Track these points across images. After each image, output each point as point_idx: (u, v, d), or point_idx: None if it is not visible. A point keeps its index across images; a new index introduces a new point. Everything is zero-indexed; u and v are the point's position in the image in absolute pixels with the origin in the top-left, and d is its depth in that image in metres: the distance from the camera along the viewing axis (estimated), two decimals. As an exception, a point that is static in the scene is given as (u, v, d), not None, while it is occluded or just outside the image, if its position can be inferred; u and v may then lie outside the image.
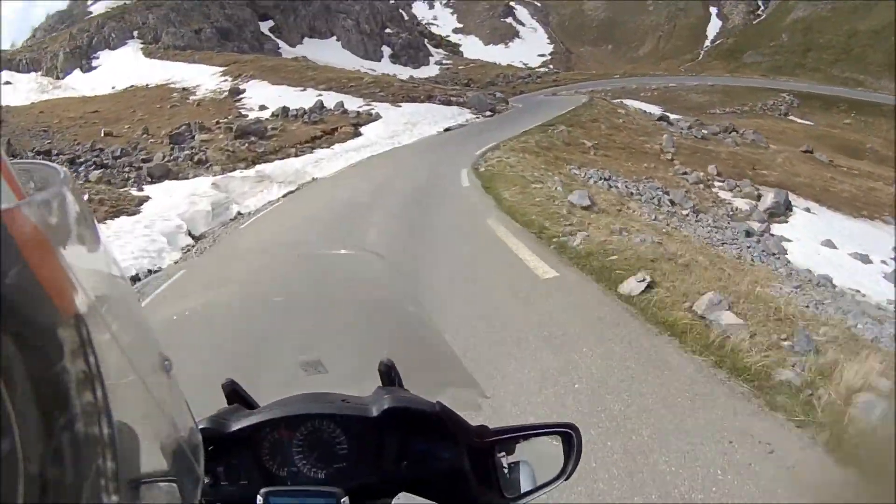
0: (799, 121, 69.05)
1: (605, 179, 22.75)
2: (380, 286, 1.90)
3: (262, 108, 47.60)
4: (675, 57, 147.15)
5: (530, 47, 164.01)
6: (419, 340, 1.79)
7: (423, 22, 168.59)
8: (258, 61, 68.84)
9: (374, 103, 47.18)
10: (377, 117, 42.89)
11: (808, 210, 27.30)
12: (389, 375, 1.44)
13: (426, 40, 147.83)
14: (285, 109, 44.39)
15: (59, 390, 0.70)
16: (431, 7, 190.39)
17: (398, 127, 41.08)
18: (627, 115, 47.46)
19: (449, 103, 50.54)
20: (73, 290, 0.76)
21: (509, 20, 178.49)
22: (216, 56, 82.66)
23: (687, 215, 20.71)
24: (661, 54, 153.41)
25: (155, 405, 0.95)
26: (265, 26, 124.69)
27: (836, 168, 40.56)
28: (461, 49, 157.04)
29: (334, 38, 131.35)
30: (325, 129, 39.25)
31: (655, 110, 59.42)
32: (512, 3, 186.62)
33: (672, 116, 52.96)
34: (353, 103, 47.24)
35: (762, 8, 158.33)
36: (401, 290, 1.97)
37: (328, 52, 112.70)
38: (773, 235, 22.00)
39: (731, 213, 24.57)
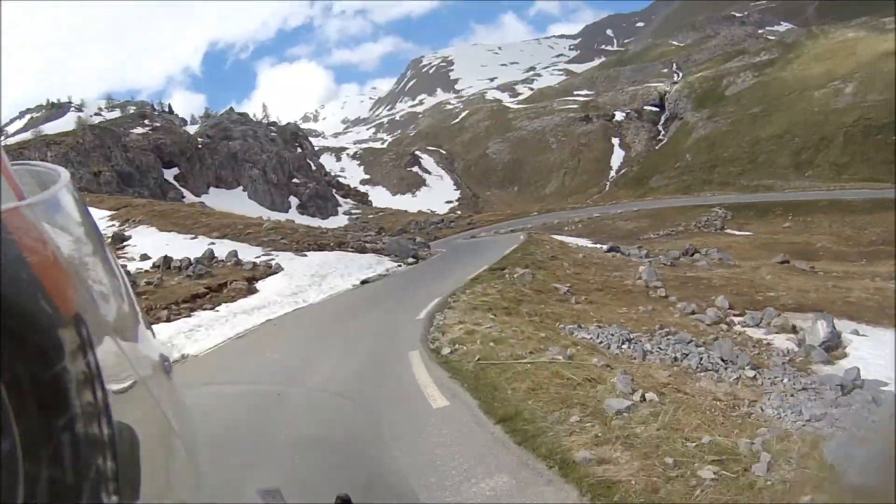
0: (737, 232, 65.66)
1: (627, 341, 15.94)
2: (344, 427, 1.93)
3: (144, 257, 41.02)
4: (583, 191, 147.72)
5: (438, 194, 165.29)
6: (377, 480, 1.76)
7: (332, 174, 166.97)
8: (150, 205, 63.28)
9: (274, 252, 39.95)
10: (277, 269, 35.46)
11: (856, 332, 21.23)
12: None
13: (334, 190, 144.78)
14: (167, 260, 37.41)
15: (59, 390, 0.70)
16: (339, 159, 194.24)
17: (303, 280, 32.97)
18: (580, 249, 42.37)
19: (364, 250, 42.59)
20: (73, 291, 0.77)
21: (415, 169, 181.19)
22: (108, 199, 77.18)
23: (755, 378, 14.24)
24: (567, 190, 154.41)
25: (155, 405, 0.92)
26: (170, 174, 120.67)
27: (823, 275, 35.66)
28: (370, 199, 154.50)
29: (241, 187, 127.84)
30: (212, 284, 31.22)
31: (590, 243, 55.19)
32: (418, 153, 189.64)
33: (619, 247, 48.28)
34: (250, 253, 39.76)
35: (662, 133, 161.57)
36: (365, 432, 1.97)
37: (234, 203, 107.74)
38: (861, 386, 14.54)
39: (786, 359, 17.87)
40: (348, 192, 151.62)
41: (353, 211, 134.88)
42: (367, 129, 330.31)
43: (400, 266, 38.53)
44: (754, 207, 77.58)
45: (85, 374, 0.74)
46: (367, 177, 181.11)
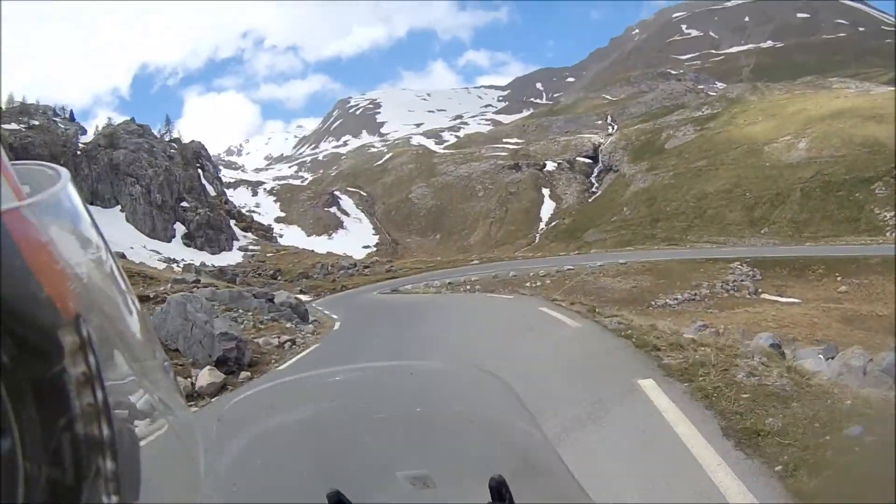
0: (781, 299, 52.25)
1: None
2: (489, 403, 1.88)
3: None
4: (510, 242, 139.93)
5: (355, 238, 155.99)
6: (532, 458, 1.75)
7: (246, 209, 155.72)
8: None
9: None
10: None
11: None
12: (500, 492, 1.39)
13: (233, 222, 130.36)
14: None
15: (59, 391, 0.69)
16: (255, 194, 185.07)
17: None
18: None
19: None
20: (73, 291, 0.76)
21: (333, 210, 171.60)
22: None
23: None
24: (493, 241, 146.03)
25: (155, 405, 0.93)
26: None
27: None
28: (276, 235, 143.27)
29: (119, 206, 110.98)
30: None
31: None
32: (337, 193, 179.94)
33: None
34: None
35: (595, 185, 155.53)
36: (512, 407, 1.88)
37: (109, 225, 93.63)
38: None
39: None
40: (250, 225, 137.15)
41: (251, 247, 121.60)
42: (290, 167, 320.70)
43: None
44: (784, 264, 62.77)
45: (85, 374, 0.72)
46: (283, 214, 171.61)
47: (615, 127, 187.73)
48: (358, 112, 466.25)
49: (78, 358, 0.72)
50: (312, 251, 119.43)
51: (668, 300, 53.35)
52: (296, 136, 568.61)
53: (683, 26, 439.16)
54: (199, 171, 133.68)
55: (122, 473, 0.76)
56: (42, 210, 0.76)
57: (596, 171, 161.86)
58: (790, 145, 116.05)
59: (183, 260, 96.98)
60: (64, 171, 0.92)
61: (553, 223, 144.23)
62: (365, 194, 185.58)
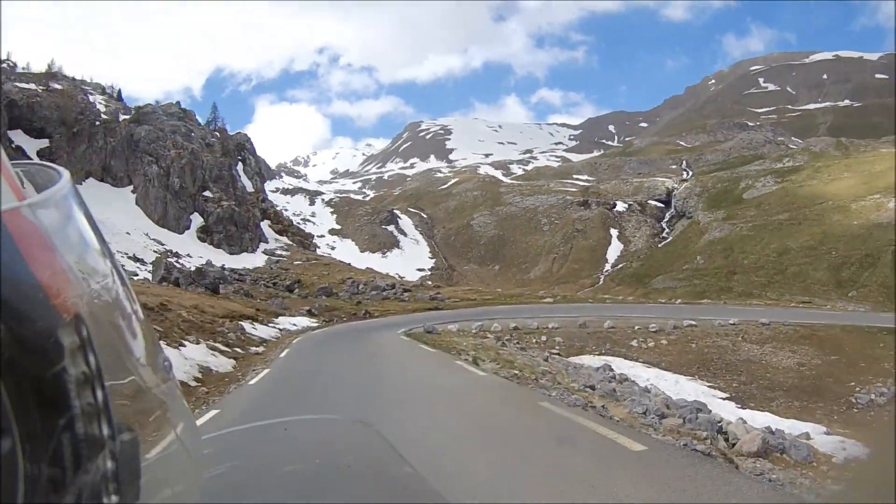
0: None
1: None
2: (372, 454, 2.06)
3: None
4: (573, 281, 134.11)
5: (410, 259, 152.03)
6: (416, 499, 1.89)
7: (300, 217, 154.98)
8: None
9: None
10: None
11: None
12: None
13: (268, 222, 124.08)
14: None
15: (59, 391, 0.70)
16: (312, 203, 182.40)
17: None
18: None
19: None
20: (73, 291, 0.77)
21: (391, 228, 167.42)
22: None
23: None
24: (555, 277, 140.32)
25: (155, 405, 0.92)
26: (36, 145, 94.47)
27: None
28: (320, 245, 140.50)
29: (131, 187, 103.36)
30: None
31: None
32: (396, 211, 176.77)
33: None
34: None
35: (666, 231, 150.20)
36: (387, 455, 2.09)
37: (112, 207, 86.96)
38: None
39: None
40: (287, 228, 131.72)
41: (279, 252, 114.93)
42: (354, 183, 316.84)
43: None
44: None
45: (85, 374, 0.73)
46: (338, 227, 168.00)
47: (690, 172, 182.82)
48: (428, 137, 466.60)
49: (78, 358, 0.72)
50: (349, 265, 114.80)
51: (871, 394, 34.59)
52: (364, 154, 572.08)
53: (761, 80, 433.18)
54: (240, 163, 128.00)
55: (121, 473, 0.77)
56: (42, 210, 0.77)
57: (668, 215, 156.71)
58: (879, 204, 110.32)
59: (188, 255, 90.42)
60: (64, 172, 0.93)
61: (620, 265, 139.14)
62: (426, 216, 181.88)
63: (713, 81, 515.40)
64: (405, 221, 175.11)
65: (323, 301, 65.29)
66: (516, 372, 19.64)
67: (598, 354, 39.34)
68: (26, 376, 0.66)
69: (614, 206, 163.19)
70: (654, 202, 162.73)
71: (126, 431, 0.83)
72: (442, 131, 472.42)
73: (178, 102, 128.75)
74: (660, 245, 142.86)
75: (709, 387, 34.87)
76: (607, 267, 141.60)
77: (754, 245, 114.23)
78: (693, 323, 47.62)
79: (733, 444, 13.44)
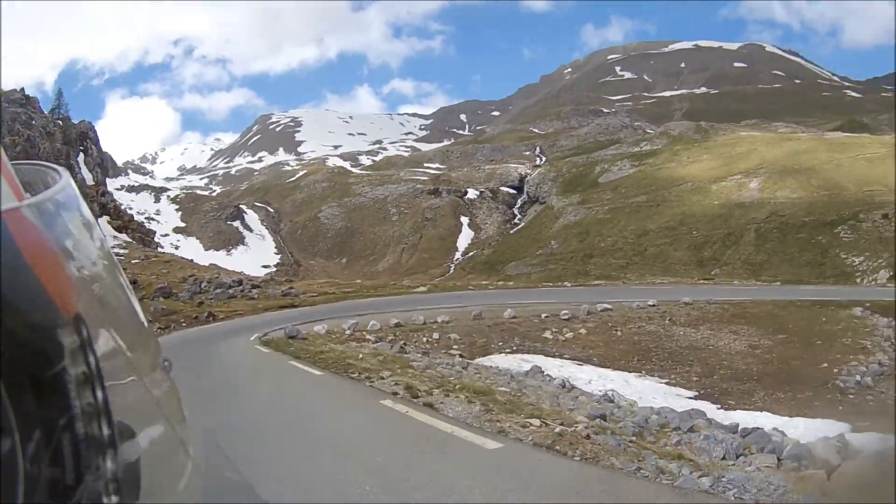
0: None
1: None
2: None
3: None
4: (423, 271, 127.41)
5: (255, 256, 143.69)
6: None
7: (144, 215, 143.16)
8: None
9: None
10: None
11: None
12: None
13: (107, 218, 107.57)
14: None
15: (59, 391, 0.70)
16: (157, 200, 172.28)
17: None
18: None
19: None
20: (73, 291, 0.76)
21: (237, 224, 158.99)
22: None
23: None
24: (403, 268, 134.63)
25: (155, 405, 0.91)
26: None
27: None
28: (161, 244, 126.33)
29: None
30: None
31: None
32: (242, 206, 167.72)
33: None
34: None
35: (518, 217, 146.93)
36: None
37: None
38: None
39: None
40: (127, 225, 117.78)
41: (116, 249, 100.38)
42: (201, 179, 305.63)
43: None
44: None
45: (85, 374, 0.73)
46: (183, 224, 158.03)
47: (544, 158, 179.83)
48: (278, 129, 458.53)
49: (78, 358, 0.72)
50: (191, 261, 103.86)
51: (855, 375, 30.92)
52: (212, 149, 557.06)
53: (618, 68, 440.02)
54: (82, 154, 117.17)
55: (122, 473, 0.77)
56: (42, 210, 0.76)
57: (520, 201, 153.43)
58: (741, 184, 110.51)
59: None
60: (64, 171, 0.90)
61: (471, 253, 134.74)
62: (272, 210, 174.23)
63: (569, 70, 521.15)
64: (251, 216, 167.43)
65: (160, 304, 53.56)
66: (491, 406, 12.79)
67: (510, 352, 32.43)
68: (27, 376, 0.65)
69: (465, 193, 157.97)
70: (506, 189, 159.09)
71: (126, 431, 0.82)
72: (292, 123, 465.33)
73: (21, 89, 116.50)
74: (512, 231, 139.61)
75: (666, 384, 29.74)
76: (458, 255, 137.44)
77: (611, 228, 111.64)
78: (608, 307, 41.91)
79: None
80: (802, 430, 18.88)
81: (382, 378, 15.72)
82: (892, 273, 72.06)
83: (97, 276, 0.86)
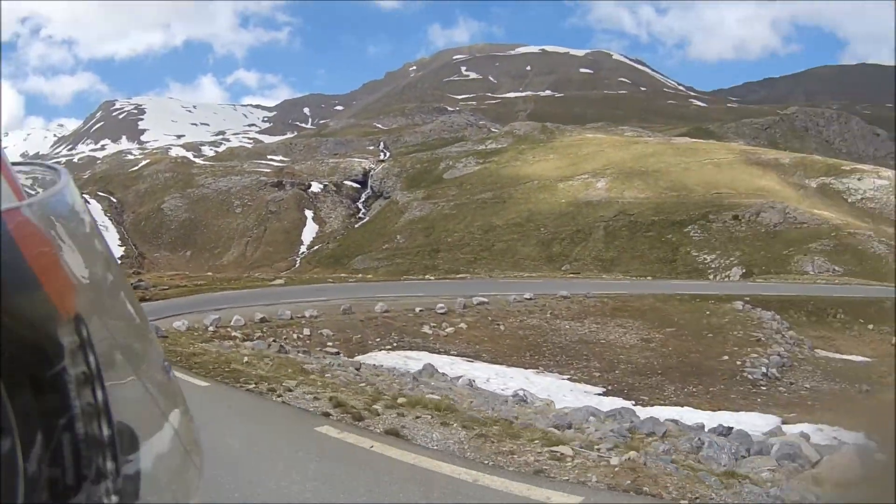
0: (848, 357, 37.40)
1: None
2: None
3: None
4: (268, 264, 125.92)
5: None
6: None
7: None
8: None
9: None
10: None
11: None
12: None
13: None
14: None
15: (59, 390, 0.71)
16: None
17: None
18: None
19: None
20: (73, 291, 0.77)
21: None
22: None
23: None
24: (249, 262, 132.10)
25: (155, 405, 0.92)
26: None
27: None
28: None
29: None
30: None
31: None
32: (86, 196, 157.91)
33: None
34: None
35: (363, 211, 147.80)
36: None
37: None
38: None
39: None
40: None
41: None
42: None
43: None
44: (796, 306, 47.50)
45: (85, 374, 0.73)
46: None
47: (388, 153, 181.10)
48: (121, 116, 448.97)
49: (78, 358, 0.73)
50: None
51: (760, 367, 32.14)
52: (55, 136, 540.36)
53: (463, 68, 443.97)
54: None
55: (121, 473, 0.77)
56: (42, 210, 0.77)
57: (364, 196, 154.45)
58: (588, 184, 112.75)
59: None
60: (64, 171, 0.91)
61: (316, 247, 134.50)
62: (115, 201, 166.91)
63: (414, 68, 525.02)
64: (94, 206, 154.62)
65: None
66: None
67: (391, 349, 31.58)
68: (26, 376, 0.66)
69: (309, 186, 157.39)
70: (350, 182, 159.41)
71: (126, 431, 0.83)
72: (136, 111, 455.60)
73: None
74: (357, 225, 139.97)
75: (569, 380, 29.52)
76: (303, 249, 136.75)
77: (457, 223, 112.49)
78: (484, 300, 41.75)
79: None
80: (748, 424, 19.13)
81: (290, 389, 13.26)
82: (744, 270, 75.47)
83: (97, 276, 0.87)
